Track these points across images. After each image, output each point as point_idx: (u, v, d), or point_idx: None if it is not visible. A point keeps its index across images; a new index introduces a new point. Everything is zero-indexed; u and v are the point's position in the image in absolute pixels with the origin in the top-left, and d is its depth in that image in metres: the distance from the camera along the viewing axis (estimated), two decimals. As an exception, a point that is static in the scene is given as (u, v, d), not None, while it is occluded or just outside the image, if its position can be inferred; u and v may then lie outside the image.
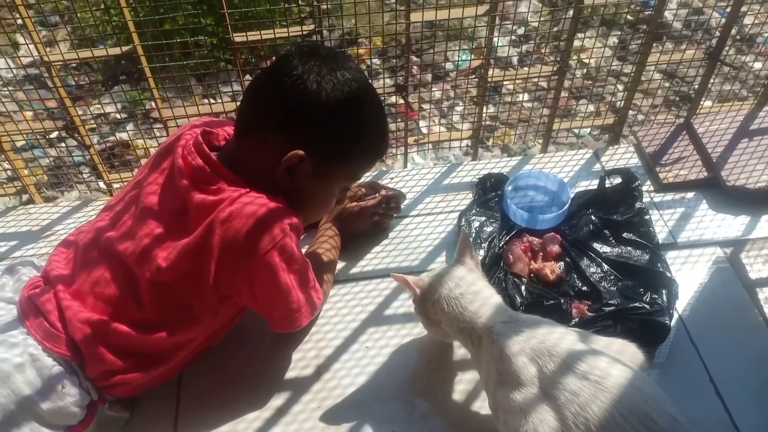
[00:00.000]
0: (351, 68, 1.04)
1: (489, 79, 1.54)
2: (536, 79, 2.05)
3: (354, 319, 1.34)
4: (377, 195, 1.46)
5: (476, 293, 1.06)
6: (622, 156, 1.65)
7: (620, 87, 2.25)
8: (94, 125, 2.07)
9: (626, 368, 0.90)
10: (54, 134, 2.10)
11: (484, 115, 1.61)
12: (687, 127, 1.67)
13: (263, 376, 1.25)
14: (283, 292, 1.10)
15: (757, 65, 2.36)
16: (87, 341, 1.06)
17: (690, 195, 1.54)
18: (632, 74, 1.59)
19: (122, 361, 1.08)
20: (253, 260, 1.03)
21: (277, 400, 1.21)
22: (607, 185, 1.52)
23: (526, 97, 2.34)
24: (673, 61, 1.57)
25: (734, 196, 1.51)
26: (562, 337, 0.97)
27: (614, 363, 0.91)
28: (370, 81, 1.10)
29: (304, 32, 1.37)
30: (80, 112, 1.86)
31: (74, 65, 2.30)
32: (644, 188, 1.55)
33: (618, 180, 1.53)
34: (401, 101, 1.58)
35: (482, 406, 1.17)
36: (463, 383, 1.22)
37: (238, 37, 1.38)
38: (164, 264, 1.04)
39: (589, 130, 2.18)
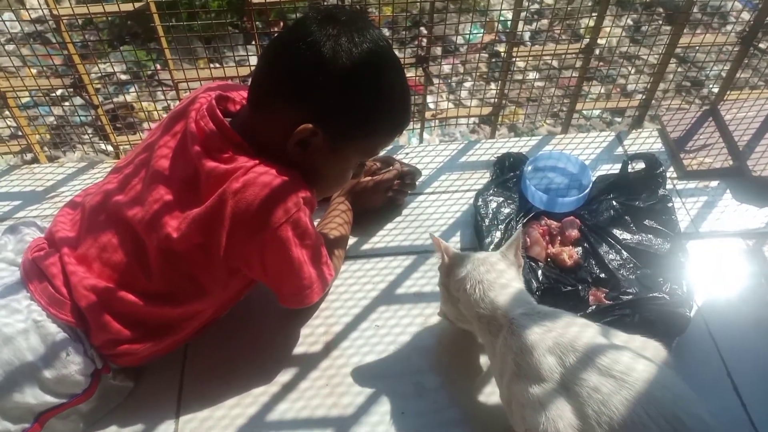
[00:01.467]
0: (372, 35, 0.97)
1: (514, 55, 1.47)
2: (549, 58, 1.99)
3: (364, 296, 1.31)
4: (392, 169, 1.41)
5: (504, 285, 1.02)
6: (645, 140, 1.60)
7: (632, 70, 2.19)
8: (99, 85, 2.02)
9: (651, 364, 0.87)
10: (59, 92, 2.04)
11: (496, 91, 1.55)
12: (713, 113, 1.62)
13: (271, 351, 1.22)
14: (295, 267, 1.06)
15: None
16: (92, 308, 1.03)
17: (714, 184, 1.50)
18: (661, 56, 1.53)
19: (129, 330, 1.05)
20: (265, 233, 1.00)
21: (284, 376, 1.19)
22: (629, 170, 1.47)
23: (536, 75, 2.28)
24: (705, 43, 1.50)
25: (759, 187, 1.46)
26: (583, 331, 0.93)
27: (638, 358, 0.88)
28: (392, 49, 1.02)
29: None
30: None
31: (78, 23, 2.24)
32: (667, 175, 1.50)
33: (641, 165, 1.48)
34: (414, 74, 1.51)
35: (493, 391, 1.15)
36: (474, 367, 1.19)
37: (256, -1, 1.32)
38: (175, 234, 1.00)
39: (599, 112, 2.12)
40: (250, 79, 1.06)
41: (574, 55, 1.51)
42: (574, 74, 1.59)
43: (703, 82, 2.18)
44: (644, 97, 1.62)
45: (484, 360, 1.19)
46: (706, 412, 0.83)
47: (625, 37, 2.29)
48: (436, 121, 1.80)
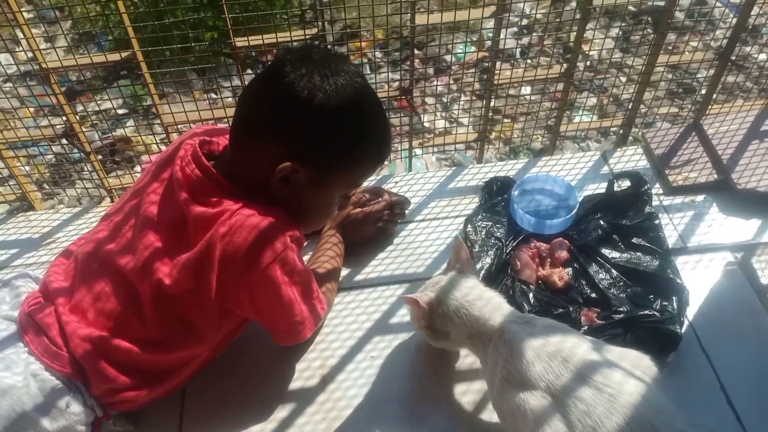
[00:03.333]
0: (347, 72, 0.99)
1: (495, 81, 1.50)
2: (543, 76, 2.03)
3: (359, 328, 1.32)
4: (381, 200, 1.44)
5: (488, 300, 1.05)
6: (631, 158, 1.63)
7: (623, 80, 2.22)
8: (96, 121, 2.06)
9: (640, 382, 0.89)
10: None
11: (485, 109, 1.58)
12: (696, 128, 1.64)
13: (267, 388, 1.23)
14: (286, 305, 1.08)
15: (762, 57, 2.31)
16: (88, 357, 1.04)
17: (700, 198, 1.52)
18: (641, 74, 1.56)
19: (126, 377, 1.06)
20: (254, 274, 1.02)
21: (282, 412, 1.20)
22: (615, 188, 1.50)
23: (529, 90, 2.31)
24: (683, 62, 1.53)
25: (745, 199, 1.48)
26: (577, 345, 0.95)
27: (629, 377, 0.89)
28: (367, 84, 1.05)
29: (307, 36, 1.34)
30: (80, 109, 1.85)
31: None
32: (653, 191, 1.52)
33: (627, 183, 1.50)
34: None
35: (491, 416, 1.15)
36: (471, 393, 1.20)
37: (240, 42, 1.35)
38: (167, 281, 1.02)
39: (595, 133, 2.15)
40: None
41: (556, 74, 1.54)
42: (557, 88, 1.61)
43: (693, 89, 2.21)
44: (629, 112, 1.64)
45: (478, 386, 1.20)
46: (686, 424, 0.85)
47: (611, 49, 2.33)
48: (434, 148, 1.83)
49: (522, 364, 0.94)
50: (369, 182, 1.59)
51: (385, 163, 1.15)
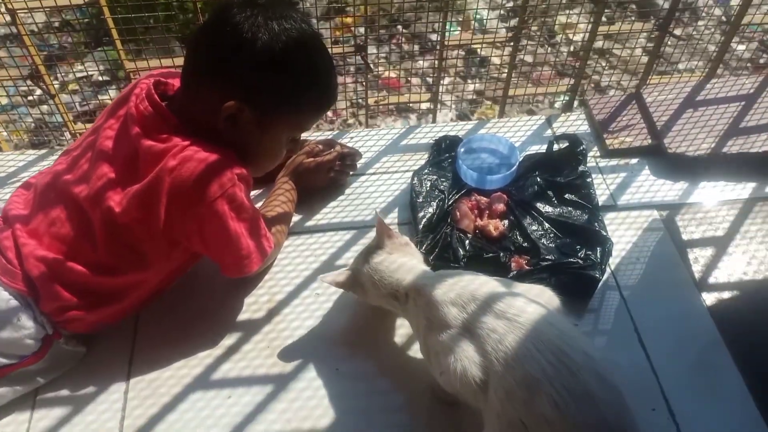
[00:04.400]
0: (292, 17, 1.04)
1: (446, 42, 1.58)
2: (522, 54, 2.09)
3: (307, 268, 1.41)
4: (333, 151, 1.51)
5: (398, 267, 1.14)
6: (573, 123, 1.72)
7: (566, 49, 2.28)
8: (77, 87, 2.09)
9: (541, 307, 0.98)
10: (30, 90, 2.12)
11: (442, 82, 1.66)
12: (637, 97, 1.74)
13: (216, 319, 1.32)
14: (233, 240, 1.15)
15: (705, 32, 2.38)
16: (42, 278, 1.12)
17: (634, 161, 1.62)
18: (583, 43, 1.64)
19: (76, 298, 1.14)
20: (201, 207, 1.08)
21: (229, 340, 1.28)
22: (555, 149, 1.59)
23: (513, 73, 2.35)
24: (623, 31, 1.62)
25: (675, 163, 1.59)
26: (484, 284, 1.04)
27: (530, 302, 0.98)
28: (313, 30, 1.10)
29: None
30: (62, 73, 1.89)
31: (56, 24, 2.31)
32: (591, 154, 1.62)
33: (566, 144, 1.60)
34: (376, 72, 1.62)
35: (416, 354, 1.25)
36: (405, 328, 1.29)
37: None
38: (117, 209, 1.08)
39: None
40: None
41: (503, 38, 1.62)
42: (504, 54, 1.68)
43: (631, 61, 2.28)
44: (572, 80, 1.73)
45: (406, 330, 1.29)
46: (589, 347, 0.94)
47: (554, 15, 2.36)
48: (391, 106, 1.89)
49: (438, 310, 1.03)
50: (326, 135, 1.66)
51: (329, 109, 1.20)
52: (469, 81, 2.22)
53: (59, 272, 1.12)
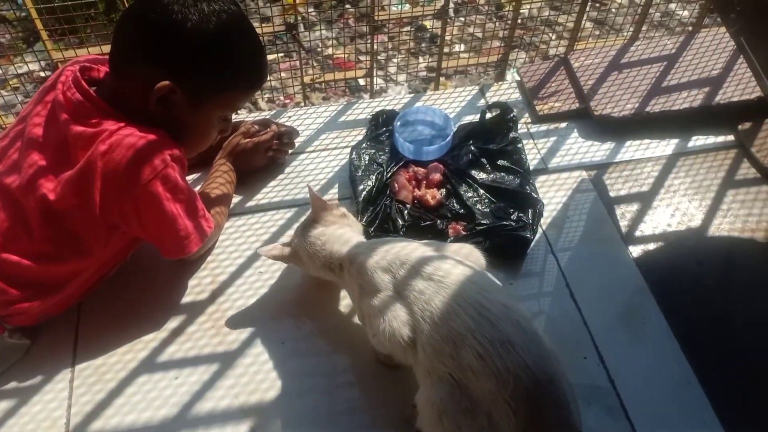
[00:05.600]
0: None
1: (376, 17, 1.60)
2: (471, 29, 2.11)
3: (249, 247, 1.43)
4: (269, 131, 1.53)
5: (333, 240, 1.18)
6: (505, 92, 1.77)
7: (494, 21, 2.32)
8: (18, 84, 2.03)
9: (466, 268, 1.02)
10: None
11: (393, 60, 1.67)
12: (565, 63, 1.79)
13: (160, 302, 1.33)
14: (170, 221, 1.16)
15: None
16: (-22, 272, 1.11)
17: (563, 125, 1.68)
18: (510, 11, 1.69)
19: (17, 290, 1.14)
20: (135, 191, 1.09)
21: (173, 323, 1.30)
22: (487, 118, 1.64)
23: (463, 47, 2.39)
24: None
25: (602, 125, 1.65)
26: (415, 249, 1.08)
27: (457, 264, 1.03)
28: (242, 11, 1.12)
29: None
30: (0, 72, 1.85)
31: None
32: (523, 120, 1.67)
33: (497, 113, 1.64)
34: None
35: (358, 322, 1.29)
36: (347, 300, 1.33)
37: None
38: (52, 196, 1.08)
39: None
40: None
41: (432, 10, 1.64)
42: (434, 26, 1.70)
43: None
44: (503, 48, 1.77)
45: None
46: (508, 299, 0.99)
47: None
48: (325, 84, 1.90)
49: (370, 276, 1.07)
50: (262, 115, 1.67)
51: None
52: (421, 58, 2.24)
53: None
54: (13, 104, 1.91)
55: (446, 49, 2.22)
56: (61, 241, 1.14)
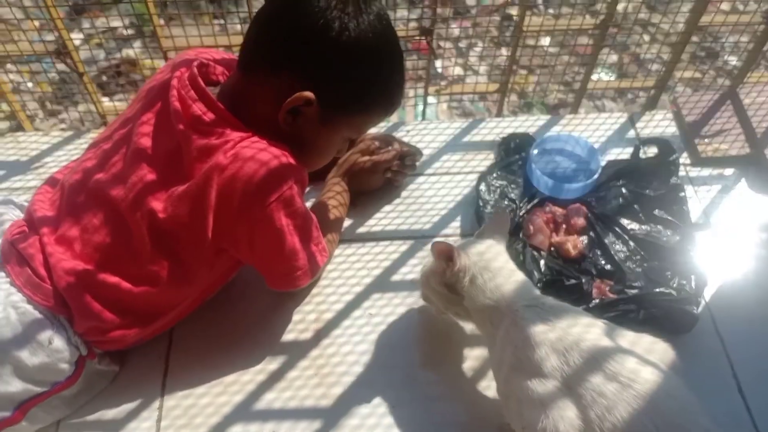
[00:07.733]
0: (377, 12, 0.93)
1: (524, 28, 1.39)
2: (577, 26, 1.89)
3: (358, 282, 1.26)
4: (391, 150, 1.35)
5: (510, 272, 0.98)
6: (659, 123, 1.52)
7: (646, 38, 2.09)
8: (101, 41, 1.96)
9: (656, 370, 0.82)
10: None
11: (506, 60, 1.47)
12: (732, 96, 1.53)
13: (259, 337, 1.18)
14: (285, 248, 1.01)
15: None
16: (71, 290, 0.98)
17: (729, 172, 1.43)
18: (680, 33, 1.44)
19: (113, 315, 1.01)
20: (254, 212, 0.95)
21: (272, 364, 1.15)
22: (641, 155, 1.40)
23: (548, 41, 2.17)
24: (727, 23, 1.41)
25: (777, 177, 1.40)
26: (587, 330, 0.88)
27: (644, 364, 0.83)
28: (393, 27, 0.98)
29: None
30: (87, 25, 1.75)
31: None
32: (680, 161, 1.43)
33: (653, 150, 1.41)
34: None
35: (488, 386, 1.11)
36: (471, 360, 1.15)
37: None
38: (161, 214, 0.96)
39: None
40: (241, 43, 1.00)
41: (591, 26, 1.42)
42: (590, 42, 1.48)
43: (720, 55, 2.08)
44: (662, 73, 1.53)
45: (479, 353, 1.15)
46: (712, 423, 0.79)
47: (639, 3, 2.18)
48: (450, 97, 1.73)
49: (533, 352, 0.87)
50: (380, 129, 1.49)
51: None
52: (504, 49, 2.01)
53: (90, 284, 0.99)
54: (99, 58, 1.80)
55: (531, 41, 1.97)
56: (164, 263, 1.00)
